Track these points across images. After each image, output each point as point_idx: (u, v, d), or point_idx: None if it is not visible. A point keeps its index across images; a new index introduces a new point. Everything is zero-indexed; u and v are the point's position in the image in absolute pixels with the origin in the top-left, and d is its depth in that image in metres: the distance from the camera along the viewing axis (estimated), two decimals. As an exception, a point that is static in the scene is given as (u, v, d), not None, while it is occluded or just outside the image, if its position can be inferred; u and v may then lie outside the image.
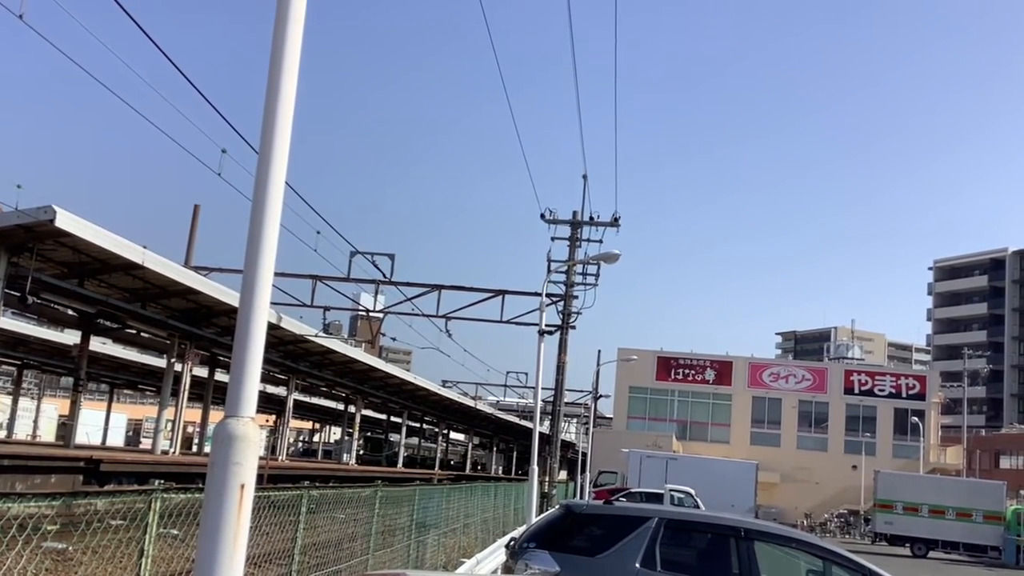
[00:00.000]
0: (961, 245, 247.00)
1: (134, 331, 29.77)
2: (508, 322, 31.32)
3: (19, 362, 44.24)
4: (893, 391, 66.39)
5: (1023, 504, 42.86)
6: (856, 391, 66.42)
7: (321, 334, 34.02)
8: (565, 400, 34.67)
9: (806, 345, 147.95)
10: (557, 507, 10.44)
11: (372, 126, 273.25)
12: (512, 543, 9.23)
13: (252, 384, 3.23)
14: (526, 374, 61.95)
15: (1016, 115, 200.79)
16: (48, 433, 53.50)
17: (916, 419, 62.61)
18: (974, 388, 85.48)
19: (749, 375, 67.25)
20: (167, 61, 9.89)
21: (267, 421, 69.45)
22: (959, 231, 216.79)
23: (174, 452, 29.23)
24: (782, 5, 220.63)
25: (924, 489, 42.56)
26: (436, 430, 75.71)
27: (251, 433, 3.15)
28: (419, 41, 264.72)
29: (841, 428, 65.82)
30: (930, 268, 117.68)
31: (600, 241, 30.68)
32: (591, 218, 30.53)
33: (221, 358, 34.12)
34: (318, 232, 26.39)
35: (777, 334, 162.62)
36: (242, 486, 3.09)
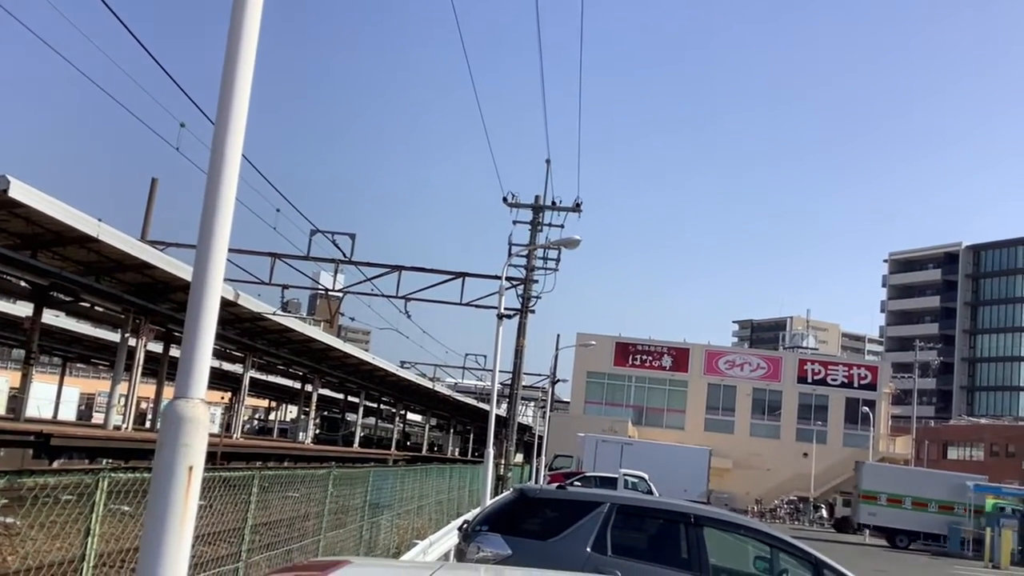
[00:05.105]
0: (917, 239, 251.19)
1: (88, 304, 29.32)
2: (468, 305, 31.30)
3: (-31, 333, 43.40)
4: (845, 381, 67.44)
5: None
6: (809, 380, 67.39)
7: (279, 312, 33.78)
8: (523, 383, 34.76)
9: (762, 334, 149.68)
10: (511, 491, 10.48)
11: (336, 105, 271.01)
12: (465, 526, 9.26)
13: (203, 364, 3.18)
14: (484, 356, 62.03)
15: (982, 116, 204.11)
16: (-3, 406, 52.60)
17: (867, 409, 63.65)
18: (924, 380, 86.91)
19: (705, 362, 67.94)
20: (126, 31, 9.72)
21: (222, 398, 68.96)
22: (916, 226, 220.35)
23: (127, 428, 28.90)
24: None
25: (908, 481, 42.81)
26: (393, 411, 75.64)
27: (201, 415, 3.10)
28: (385, 19, 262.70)
29: (793, 416, 66.79)
30: (885, 260, 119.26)
31: (562, 226, 30.76)
32: (553, 203, 30.57)
33: (176, 334, 33.73)
34: (278, 210, 26.27)
35: (734, 322, 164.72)
36: (190, 468, 3.05)
